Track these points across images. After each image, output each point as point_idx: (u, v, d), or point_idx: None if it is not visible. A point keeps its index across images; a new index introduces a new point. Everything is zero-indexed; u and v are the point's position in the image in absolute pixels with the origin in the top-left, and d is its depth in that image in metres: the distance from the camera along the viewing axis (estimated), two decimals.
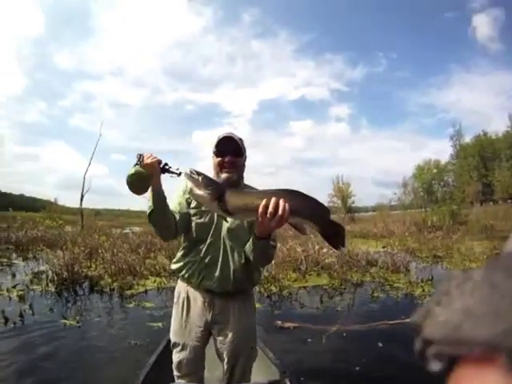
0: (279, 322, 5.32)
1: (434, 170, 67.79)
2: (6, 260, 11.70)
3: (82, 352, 4.60)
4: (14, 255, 13.09)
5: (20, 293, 7.30)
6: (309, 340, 4.83)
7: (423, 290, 7.28)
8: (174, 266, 2.33)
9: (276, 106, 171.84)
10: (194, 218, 2.22)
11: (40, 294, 7.48)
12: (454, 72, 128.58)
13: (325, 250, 9.73)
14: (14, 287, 7.74)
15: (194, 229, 2.22)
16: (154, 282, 8.32)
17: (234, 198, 1.70)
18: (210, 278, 2.18)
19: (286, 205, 1.62)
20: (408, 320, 5.21)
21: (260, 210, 1.63)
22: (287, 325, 5.28)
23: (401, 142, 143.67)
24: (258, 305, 6.50)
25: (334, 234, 1.77)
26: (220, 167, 2.17)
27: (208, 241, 2.19)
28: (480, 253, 10.78)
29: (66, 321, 5.69)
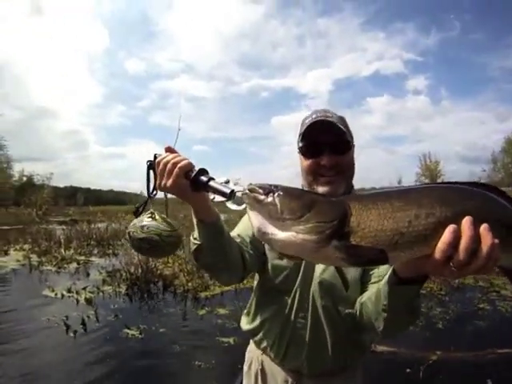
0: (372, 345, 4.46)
1: None
2: (83, 258, 11.57)
3: (137, 373, 4.18)
4: (96, 251, 13.03)
5: (89, 295, 7.10)
6: (407, 370, 4.01)
7: None
8: (245, 326, 1.60)
9: (351, 84, 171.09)
10: (269, 255, 1.44)
11: (109, 296, 7.25)
12: None
13: None
14: (84, 289, 7.54)
15: (270, 271, 1.45)
16: None
17: (377, 220, 0.73)
18: (295, 355, 1.42)
19: (492, 233, 0.70)
20: None
21: (442, 245, 0.70)
22: (380, 349, 4.42)
23: (484, 112, 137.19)
24: None
25: None
26: (313, 175, 1.36)
27: (293, 295, 1.41)
28: None
29: (128, 331, 5.33)
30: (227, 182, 0.99)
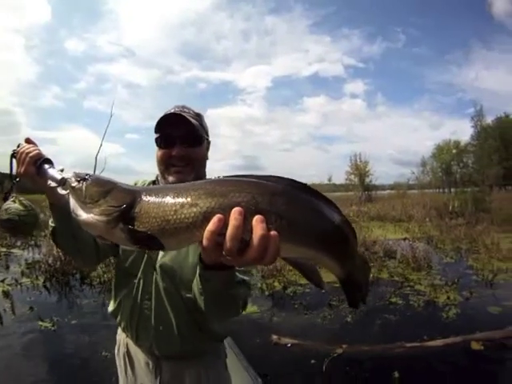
0: (275, 337, 4.53)
1: (454, 151, 66.55)
2: (5, 249, 11.07)
3: (46, 364, 4.17)
4: (19, 242, 12.31)
5: (6, 288, 6.87)
6: (312, 361, 4.08)
7: (448, 298, 6.25)
8: (109, 308, 1.64)
9: (290, 83, 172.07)
10: None
11: (27, 288, 7.03)
12: (474, 49, 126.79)
13: None
14: (3, 281, 7.28)
15: (121, 255, 1.52)
16: None
17: (152, 208, 0.79)
18: (145, 337, 1.48)
19: (264, 224, 0.70)
20: (430, 343, 4.43)
21: (207, 233, 0.72)
22: (284, 341, 4.49)
23: (418, 119, 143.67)
24: (255, 308, 5.89)
25: (360, 281, 0.97)
26: (165, 164, 1.44)
27: (139, 278, 1.48)
28: (508, 250, 9.62)
29: (42, 323, 5.21)
30: (62, 170, 1.13)
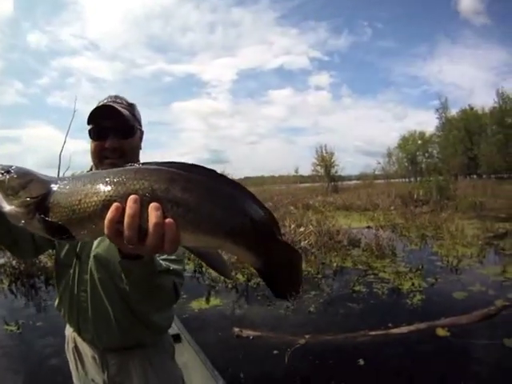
0: (237, 330, 4.54)
1: (419, 142, 68.50)
2: None
3: (10, 367, 4.13)
4: None
5: None
6: (275, 352, 4.10)
7: (413, 284, 6.28)
8: (55, 302, 1.62)
9: (256, 75, 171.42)
10: None
11: None
12: (440, 43, 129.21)
13: (302, 229, 9.06)
14: None
15: (57, 246, 1.51)
16: None
17: (62, 198, 0.79)
18: (86, 327, 1.47)
19: (159, 212, 0.71)
20: (395, 330, 4.45)
21: (106, 222, 0.72)
22: (246, 333, 4.49)
23: (383, 111, 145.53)
24: (218, 301, 5.97)
25: (283, 271, 0.85)
26: (98, 157, 1.41)
27: (74, 268, 1.46)
28: (472, 236, 9.97)
29: (7, 327, 5.13)
30: None
